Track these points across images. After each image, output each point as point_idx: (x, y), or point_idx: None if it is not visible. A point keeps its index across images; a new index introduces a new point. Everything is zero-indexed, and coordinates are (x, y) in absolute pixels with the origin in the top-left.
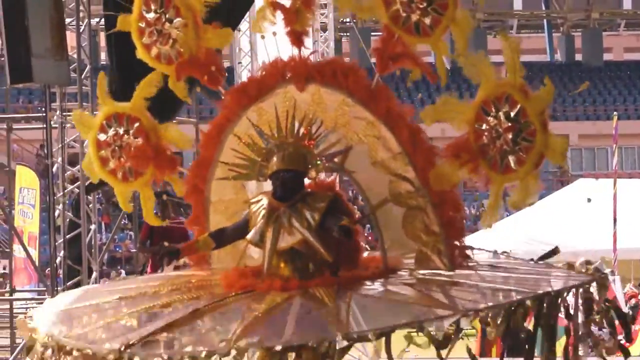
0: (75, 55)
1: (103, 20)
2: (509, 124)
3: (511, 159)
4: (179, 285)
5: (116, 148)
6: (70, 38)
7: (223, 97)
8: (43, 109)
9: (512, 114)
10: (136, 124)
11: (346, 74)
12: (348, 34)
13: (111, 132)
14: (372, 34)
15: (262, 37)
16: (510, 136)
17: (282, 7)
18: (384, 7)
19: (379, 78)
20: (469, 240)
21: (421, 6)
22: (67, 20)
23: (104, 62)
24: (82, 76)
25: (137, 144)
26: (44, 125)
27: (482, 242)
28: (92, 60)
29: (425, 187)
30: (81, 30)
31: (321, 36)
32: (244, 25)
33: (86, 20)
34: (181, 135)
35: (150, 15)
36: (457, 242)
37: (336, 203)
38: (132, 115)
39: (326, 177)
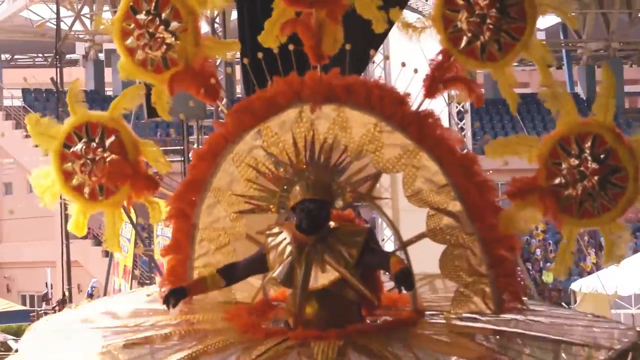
0: None
1: (239, 54)
2: (597, 166)
3: (593, 204)
4: (190, 330)
5: (87, 162)
6: None
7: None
8: (181, 142)
9: (601, 156)
10: (113, 137)
11: (382, 95)
12: None
13: (81, 143)
14: None
15: (403, 64)
16: (596, 179)
17: (301, 20)
18: (443, 26)
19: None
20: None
21: (493, 27)
22: None
23: (240, 95)
24: (219, 109)
25: (112, 159)
26: (182, 158)
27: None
28: (228, 93)
29: (475, 224)
30: (217, 64)
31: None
32: (377, 56)
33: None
34: (161, 155)
35: (142, 16)
36: (506, 284)
37: (372, 237)
38: (109, 126)
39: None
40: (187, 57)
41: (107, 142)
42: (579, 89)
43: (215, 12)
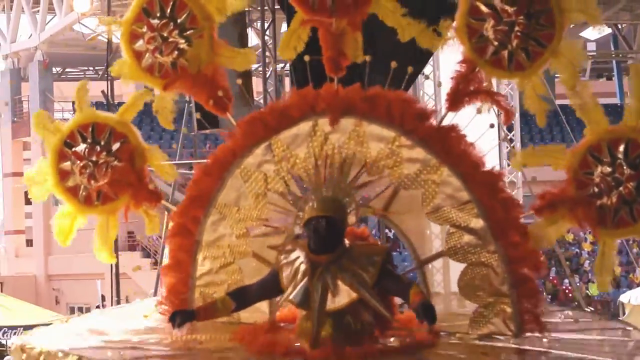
0: (261, 100)
1: (289, 65)
2: (632, 172)
3: (630, 212)
4: (199, 349)
5: (88, 164)
6: (256, 83)
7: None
8: None
9: (637, 161)
10: (120, 142)
11: (404, 109)
12: None
13: (85, 144)
14: None
15: (439, 85)
16: (632, 185)
17: (321, 28)
18: (467, 36)
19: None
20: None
21: (522, 35)
22: (254, 66)
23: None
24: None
25: (117, 165)
26: None
27: None
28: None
29: (499, 241)
30: (267, 76)
31: None
32: (428, 68)
33: (272, 66)
34: (169, 164)
35: (155, 20)
36: (529, 305)
37: (389, 258)
38: (118, 130)
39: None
40: (200, 65)
41: (114, 146)
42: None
43: (266, 24)
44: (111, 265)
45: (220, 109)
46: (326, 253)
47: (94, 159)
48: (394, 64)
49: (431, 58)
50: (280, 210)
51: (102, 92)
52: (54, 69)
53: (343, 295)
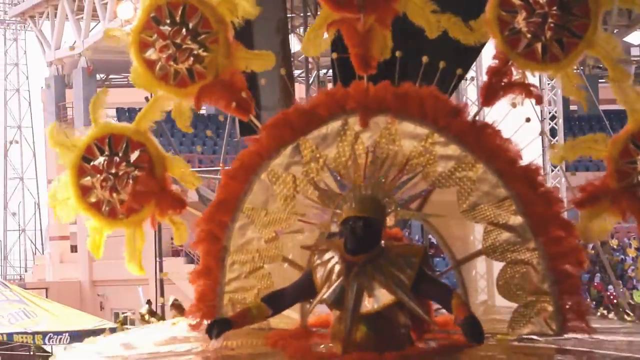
0: None
1: (331, 71)
2: None
3: None
4: (232, 356)
5: (108, 177)
6: (299, 89)
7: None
8: None
9: None
10: (138, 151)
11: (437, 105)
12: None
13: (103, 157)
14: None
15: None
16: None
17: (348, 26)
18: (499, 29)
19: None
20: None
21: (555, 27)
22: (296, 72)
23: None
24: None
25: (137, 175)
26: None
27: None
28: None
29: (539, 237)
30: (310, 82)
31: None
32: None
33: (315, 72)
34: (190, 172)
35: (166, 27)
36: (571, 302)
37: (426, 259)
38: (134, 140)
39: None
40: (217, 69)
41: (132, 156)
42: None
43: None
44: (155, 271)
45: (244, 112)
46: (363, 254)
47: (113, 171)
48: (425, 59)
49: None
50: (316, 206)
51: (146, 98)
52: (97, 76)
53: (379, 297)
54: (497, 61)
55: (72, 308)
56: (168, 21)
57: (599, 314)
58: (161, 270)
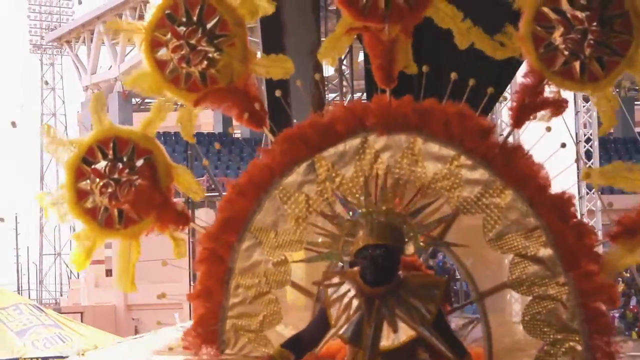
0: None
1: (365, 95)
2: None
3: None
4: None
5: (110, 183)
6: None
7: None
8: None
9: None
10: (144, 159)
11: (463, 125)
12: None
13: (105, 161)
14: None
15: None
16: None
17: (370, 35)
18: (533, 45)
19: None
20: None
21: (595, 44)
22: (331, 95)
23: None
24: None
25: (141, 184)
26: None
27: None
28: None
29: (570, 272)
30: None
31: None
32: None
33: (349, 96)
34: (195, 183)
35: (181, 27)
36: (601, 343)
37: (448, 291)
38: (141, 146)
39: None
40: (232, 75)
41: (137, 163)
42: None
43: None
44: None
45: (257, 124)
46: (383, 285)
47: (115, 177)
48: (454, 75)
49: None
50: (325, 233)
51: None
52: (133, 100)
53: (399, 332)
54: (529, 79)
55: (107, 332)
56: (184, 20)
57: (635, 337)
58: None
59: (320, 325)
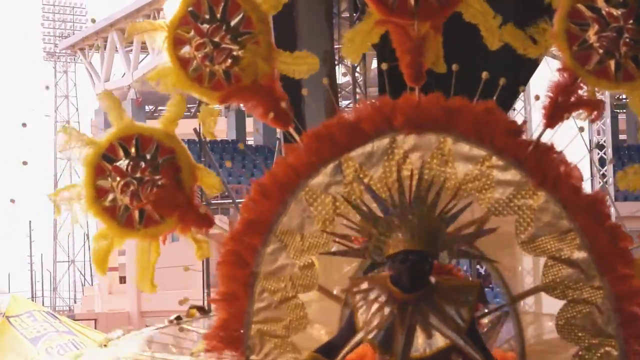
0: None
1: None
2: None
3: None
4: None
5: (132, 182)
6: None
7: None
8: None
9: None
10: (166, 158)
11: (494, 124)
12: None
13: (127, 159)
14: None
15: (537, 97)
16: None
17: (399, 30)
18: (567, 43)
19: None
20: None
21: (631, 42)
22: (343, 103)
23: None
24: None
25: (164, 184)
26: None
27: None
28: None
29: (605, 275)
30: None
31: None
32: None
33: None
34: (219, 184)
35: (205, 24)
36: (638, 348)
37: (482, 297)
38: (165, 144)
39: None
40: (257, 73)
41: (160, 162)
42: None
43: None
44: (203, 303)
45: (282, 124)
46: (418, 291)
47: (138, 175)
48: (485, 75)
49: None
50: (357, 228)
51: (194, 130)
52: (146, 107)
53: (433, 340)
54: (563, 78)
55: None
56: (207, 17)
57: None
58: (209, 302)
59: (350, 331)
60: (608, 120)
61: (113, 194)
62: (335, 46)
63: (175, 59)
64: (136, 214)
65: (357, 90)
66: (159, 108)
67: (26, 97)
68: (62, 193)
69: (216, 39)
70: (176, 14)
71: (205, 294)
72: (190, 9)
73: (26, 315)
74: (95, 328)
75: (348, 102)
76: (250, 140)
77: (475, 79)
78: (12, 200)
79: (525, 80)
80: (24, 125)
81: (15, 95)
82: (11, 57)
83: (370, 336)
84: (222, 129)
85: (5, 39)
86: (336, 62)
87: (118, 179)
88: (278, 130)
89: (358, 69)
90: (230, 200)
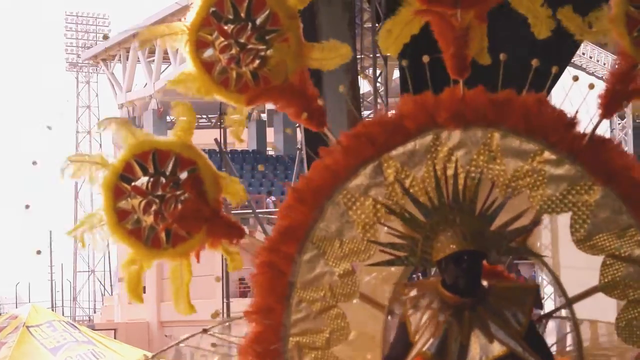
0: None
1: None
2: None
3: None
4: None
5: (154, 200)
6: None
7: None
8: None
9: None
10: (187, 170)
11: (546, 116)
12: None
13: (146, 176)
14: None
15: (575, 78)
16: None
17: (441, 20)
18: (627, 27)
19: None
20: None
21: None
22: (365, 113)
23: None
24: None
25: (187, 198)
26: None
27: None
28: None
29: None
30: None
31: None
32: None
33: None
34: (244, 192)
35: (229, 25)
36: None
37: (539, 299)
38: (184, 156)
39: None
40: (287, 73)
41: (181, 176)
42: None
43: (378, 71)
44: (222, 313)
45: (317, 123)
46: (473, 294)
47: (159, 193)
48: (535, 62)
49: None
50: (400, 235)
51: (215, 140)
52: (168, 118)
53: (489, 347)
54: (621, 65)
55: (140, 349)
56: (231, 17)
57: None
58: (228, 312)
59: (403, 342)
60: (630, 131)
61: (136, 215)
62: (358, 56)
63: (198, 63)
64: (162, 233)
65: (379, 100)
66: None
67: (49, 107)
68: (82, 226)
69: (242, 40)
70: (197, 15)
71: (224, 304)
72: (212, 9)
73: (46, 325)
74: (115, 338)
75: (369, 112)
76: (271, 151)
77: (498, 70)
78: (27, 206)
79: (564, 64)
80: (49, 127)
81: (38, 105)
82: (34, 67)
83: (425, 347)
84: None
85: (29, 50)
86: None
87: (139, 198)
88: (298, 139)
89: (379, 79)
90: (250, 211)
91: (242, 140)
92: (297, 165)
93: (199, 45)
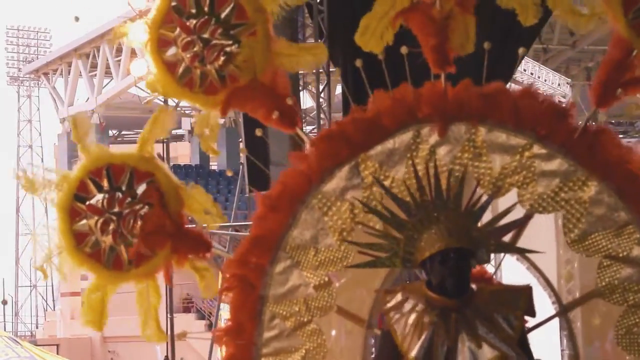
0: None
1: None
2: None
3: None
4: None
5: (111, 218)
6: None
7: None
8: None
9: None
10: (146, 183)
11: (535, 108)
12: None
13: (101, 193)
14: None
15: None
16: None
17: (420, 13)
18: (622, 10)
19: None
20: None
21: None
22: (308, 128)
23: None
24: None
25: (147, 213)
26: None
27: None
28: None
29: None
30: None
31: None
32: None
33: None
34: (212, 203)
35: (191, 19)
36: None
37: (531, 303)
38: (140, 169)
39: None
40: (255, 70)
41: (139, 189)
42: None
43: (321, 86)
44: (167, 328)
45: (288, 123)
46: (462, 295)
47: (116, 210)
48: (487, 45)
49: None
50: (381, 235)
51: (158, 154)
52: (110, 132)
53: (482, 352)
54: (615, 52)
55: None
56: (193, 11)
57: None
58: (172, 327)
59: (391, 352)
60: None
61: (94, 237)
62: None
63: (160, 63)
64: (123, 253)
65: (322, 115)
66: (123, 132)
67: None
68: (39, 258)
69: (205, 35)
70: (157, 12)
71: (168, 320)
72: (173, 3)
73: None
74: (58, 353)
75: (312, 127)
76: (214, 165)
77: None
78: None
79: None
80: None
81: None
82: None
83: (413, 353)
84: (185, 154)
85: None
86: (300, 88)
87: (95, 217)
88: (242, 155)
89: (322, 95)
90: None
91: (218, 152)
92: (240, 179)
93: (160, 43)
